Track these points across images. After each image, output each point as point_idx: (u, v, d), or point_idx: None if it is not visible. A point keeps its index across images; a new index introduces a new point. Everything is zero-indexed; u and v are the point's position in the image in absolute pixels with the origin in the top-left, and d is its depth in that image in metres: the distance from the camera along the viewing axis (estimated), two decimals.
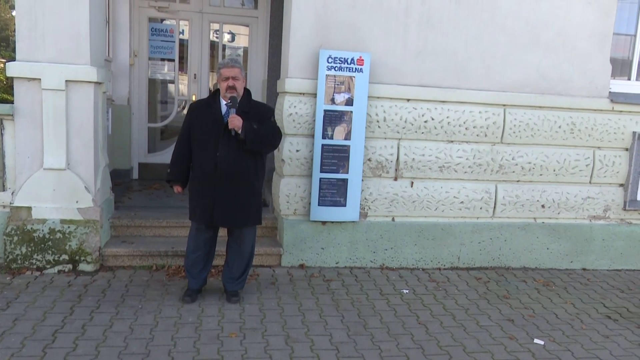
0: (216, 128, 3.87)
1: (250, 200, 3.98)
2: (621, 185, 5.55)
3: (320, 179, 4.87)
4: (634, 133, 5.42)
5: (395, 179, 5.11)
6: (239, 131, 3.79)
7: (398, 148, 5.06)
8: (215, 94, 4.03)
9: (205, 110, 3.98)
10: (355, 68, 4.78)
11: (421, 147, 5.08)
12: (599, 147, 5.43)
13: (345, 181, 4.91)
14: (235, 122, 3.77)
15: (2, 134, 4.48)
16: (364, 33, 4.86)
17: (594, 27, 5.23)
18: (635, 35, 5.60)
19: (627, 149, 5.48)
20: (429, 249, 5.23)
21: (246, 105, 3.94)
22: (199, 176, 3.96)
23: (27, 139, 4.45)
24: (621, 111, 5.40)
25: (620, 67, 5.64)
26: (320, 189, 4.88)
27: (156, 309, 3.91)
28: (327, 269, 5.00)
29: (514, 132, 5.23)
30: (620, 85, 5.53)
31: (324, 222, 5.00)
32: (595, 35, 5.24)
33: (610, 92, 5.37)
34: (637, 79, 5.66)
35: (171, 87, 7.47)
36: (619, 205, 5.56)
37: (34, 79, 4.36)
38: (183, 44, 7.20)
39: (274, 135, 4.01)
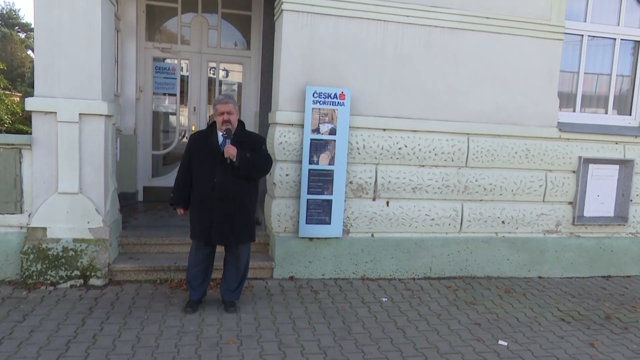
0: (213, 157, 3.87)
1: (244, 221, 3.96)
2: (570, 203, 5.65)
3: (307, 200, 4.88)
4: (580, 157, 5.54)
5: (374, 199, 5.14)
6: (234, 159, 3.79)
7: (376, 172, 5.10)
8: (212, 126, 4.04)
9: (203, 141, 3.98)
10: (338, 102, 4.84)
11: (396, 171, 5.13)
12: (550, 170, 5.54)
13: (329, 202, 4.93)
14: (230, 151, 3.78)
15: (20, 161, 4.43)
16: (345, 71, 4.92)
17: (543, 67, 5.37)
18: (578, 73, 5.75)
19: (574, 171, 5.60)
20: (404, 261, 5.24)
21: (240, 135, 3.95)
22: (199, 199, 3.94)
23: (43, 166, 4.40)
24: (568, 139, 5.52)
25: (567, 100, 5.78)
26: (307, 208, 4.88)
27: (161, 319, 3.86)
28: (315, 281, 4.98)
29: (477, 158, 5.31)
30: (567, 116, 5.66)
31: (311, 239, 5.00)
32: (544, 73, 5.39)
33: (558, 122, 5.50)
34: (581, 111, 5.81)
35: (173, 118, 7.47)
36: (569, 221, 5.65)
37: (50, 113, 4.34)
38: (184, 80, 7.22)
39: (265, 162, 4.02)
